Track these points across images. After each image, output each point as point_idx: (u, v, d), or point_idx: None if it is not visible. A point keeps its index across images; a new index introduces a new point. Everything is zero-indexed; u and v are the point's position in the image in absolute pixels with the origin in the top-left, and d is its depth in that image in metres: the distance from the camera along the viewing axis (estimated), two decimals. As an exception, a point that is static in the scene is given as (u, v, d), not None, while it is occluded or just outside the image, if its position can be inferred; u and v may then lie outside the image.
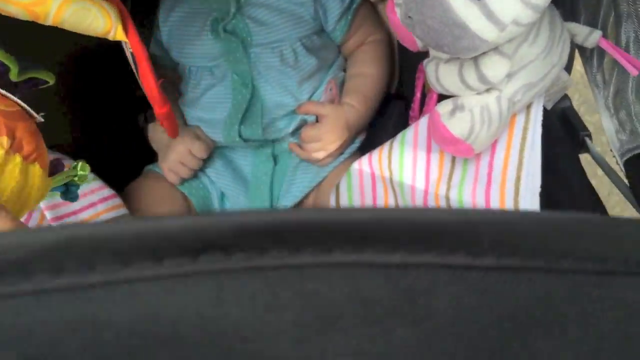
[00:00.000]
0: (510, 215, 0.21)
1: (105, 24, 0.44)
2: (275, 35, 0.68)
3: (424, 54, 0.58)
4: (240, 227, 0.17)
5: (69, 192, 0.49)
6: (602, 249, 0.21)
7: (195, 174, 0.75)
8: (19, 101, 0.43)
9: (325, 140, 0.70)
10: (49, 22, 0.42)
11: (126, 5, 0.76)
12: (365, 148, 0.77)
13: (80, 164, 0.48)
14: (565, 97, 0.66)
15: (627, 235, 0.22)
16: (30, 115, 0.44)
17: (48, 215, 0.66)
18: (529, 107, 0.55)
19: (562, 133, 0.62)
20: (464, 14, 0.44)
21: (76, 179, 0.48)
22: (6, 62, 0.47)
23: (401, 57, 0.77)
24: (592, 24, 0.56)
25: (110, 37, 0.46)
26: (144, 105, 0.78)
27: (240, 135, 0.70)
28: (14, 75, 0.48)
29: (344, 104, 0.71)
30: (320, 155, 0.71)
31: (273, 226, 0.17)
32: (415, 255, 0.19)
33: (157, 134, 0.74)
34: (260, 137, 0.70)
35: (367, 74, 0.73)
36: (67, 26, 0.42)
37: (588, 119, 1.30)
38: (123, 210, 0.70)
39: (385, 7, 0.75)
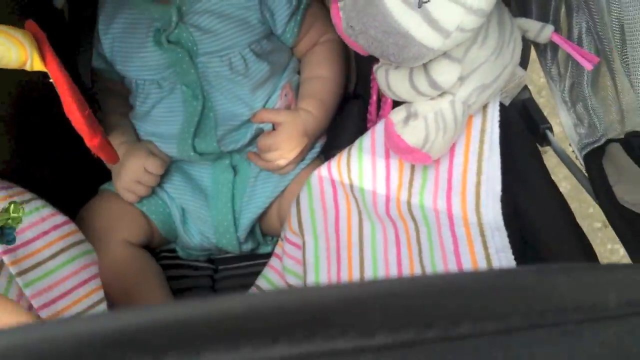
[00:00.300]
0: (400, 284, 0.19)
1: (20, 55, 0.40)
2: (222, 43, 0.65)
3: (377, 55, 0.56)
4: (81, 338, 0.14)
5: (4, 234, 0.46)
6: (501, 305, 0.19)
7: (154, 191, 0.72)
8: None
9: (283, 149, 0.67)
10: None
11: (62, 18, 0.72)
12: (328, 151, 0.75)
13: (12, 205, 0.45)
14: (525, 88, 0.65)
15: (527, 286, 0.20)
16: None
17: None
18: (485, 107, 0.54)
19: (523, 128, 0.60)
20: (406, 22, 0.42)
21: (10, 221, 0.46)
22: None
23: (356, 55, 0.74)
24: (544, 16, 0.54)
25: (28, 67, 0.42)
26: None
27: (195, 150, 0.67)
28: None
29: (300, 110, 0.69)
30: (280, 164, 0.69)
31: (125, 331, 0.14)
32: (299, 345, 0.16)
33: None
34: (216, 150, 0.67)
35: (322, 77, 0.70)
36: (-24, 61, 0.39)
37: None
38: (79, 236, 0.67)
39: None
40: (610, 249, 1.29)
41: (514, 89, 0.57)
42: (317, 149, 0.72)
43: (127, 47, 0.67)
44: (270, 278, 0.66)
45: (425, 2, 0.40)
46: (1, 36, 0.39)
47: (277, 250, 0.67)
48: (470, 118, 0.54)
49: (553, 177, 0.58)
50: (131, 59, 0.67)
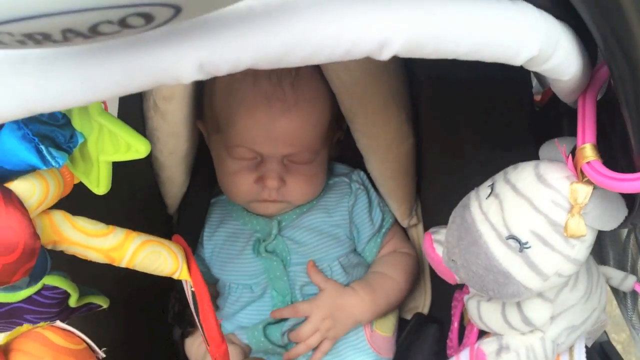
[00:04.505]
0: None
1: (173, 266, 0.47)
2: (314, 255, 0.72)
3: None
4: None
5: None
6: None
7: None
8: (86, 338, 0.44)
9: (314, 315, 0.67)
10: (123, 264, 0.45)
11: (171, 225, 0.81)
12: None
13: None
14: (603, 332, 0.66)
15: None
16: (93, 351, 0.44)
17: None
18: (571, 348, 0.55)
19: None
20: (508, 264, 0.47)
21: None
22: (68, 289, 0.48)
23: (432, 280, 0.79)
24: (621, 266, 0.59)
25: (175, 276, 0.48)
26: (179, 320, 0.78)
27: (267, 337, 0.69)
28: (73, 302, 0.49)
29: (347, 287, 0.70)
30: (313, 339, 0.68)
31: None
32: None
33: (193, 348, 0.73)
34: (278, 341, 0.69)
35: (383, 272, 0.73)
36: (139, 268, 0.45)
37: (614, 337, 1.28)
38: None
39: (415, 231, 0.79)
40: None
41: (597, 331, 0.59)
42: None
43: (228, 253, 0.74)
44: None
45: (527, 248, 0.46)
46: (161, 247, 0.46)
47: None
48: (558, 357, 0.55)
49: None
50: (229, 264, 0.74)
